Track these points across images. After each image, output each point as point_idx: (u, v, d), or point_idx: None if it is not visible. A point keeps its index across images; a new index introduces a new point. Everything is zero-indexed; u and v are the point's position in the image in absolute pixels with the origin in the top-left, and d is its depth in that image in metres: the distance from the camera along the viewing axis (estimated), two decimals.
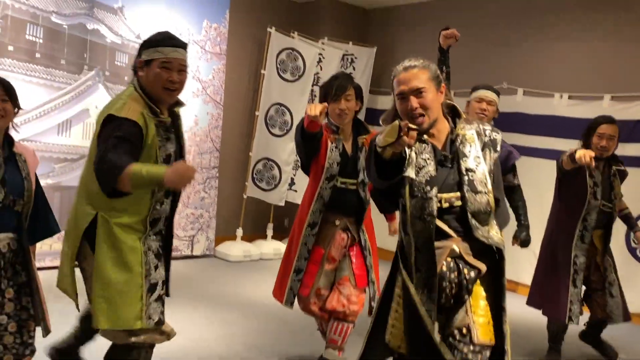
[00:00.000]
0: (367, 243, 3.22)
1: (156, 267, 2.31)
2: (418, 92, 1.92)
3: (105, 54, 4.81)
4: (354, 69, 6.22)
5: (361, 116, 5.99)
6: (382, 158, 1.86)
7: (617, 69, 4.77)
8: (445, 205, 1.97)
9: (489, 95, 3.46)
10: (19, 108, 2.48)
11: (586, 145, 3.44)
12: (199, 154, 5.58)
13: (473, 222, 1.96)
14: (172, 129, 2.36)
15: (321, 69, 6.06)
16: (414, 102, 1.91)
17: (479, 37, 5.44)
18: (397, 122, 1.70)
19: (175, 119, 2.41)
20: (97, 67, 4.75)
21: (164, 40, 2.28)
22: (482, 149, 2.02)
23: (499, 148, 2.06)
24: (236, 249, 5.75)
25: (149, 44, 2.28)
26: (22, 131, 4.31)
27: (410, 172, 1.95)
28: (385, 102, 6.23)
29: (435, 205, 1.94)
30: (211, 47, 5.55)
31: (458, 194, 1.97)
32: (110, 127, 2.16)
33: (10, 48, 4.28)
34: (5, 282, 2.27)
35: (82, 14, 4.64)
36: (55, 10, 4.48)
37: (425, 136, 1.98)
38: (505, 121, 4.59)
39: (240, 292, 4.59)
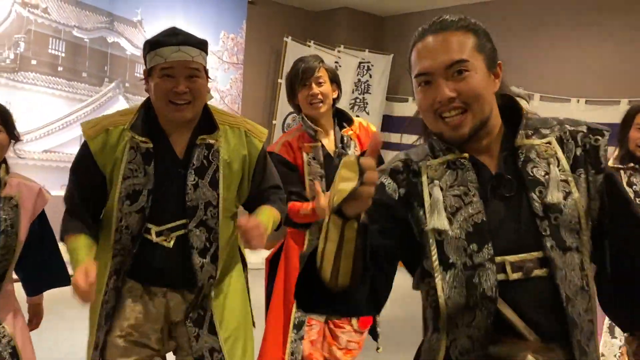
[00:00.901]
0: None
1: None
2: (455, 71, 1.13)
3: (125, 66, 4.88)
4: (370, 76, 6.24)
5: (373, 123, 6.06)
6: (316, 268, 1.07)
7: (634, 73, 4.73)
8: (515, 275, 1.13)
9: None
10: (16, 139, 2.01)
11: (622, 145, 2.66)
12: None
13: (569, 310, 1.11)
14: (172, 162, 1.75)
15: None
16: (444, 88, 1.12)
17: (494, 41, 5.43)
18: (352, 156, 0.97)
19: (194, 153, 1.75)
20: (118, 79, 4.83)
21: (163, 39, 1.72)
22: (574, 168, 1.18)
23: (603, 162, 1.20)
24: (255, 256, 5.78)
25: (148, 47, 1.73)
26: (46, 143, 4.40)
27: (439, 221, 1.16)
28: (403, 109, 6.24)
29: (493, 278, 1.11)
30: (228, 57, 5.61)
31: (537, 253, 1.13)
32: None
33: (34, 62, 4.36)
34: None
35: (102, 28, 4.72)
36: (77, 25, 4.56)
37: (456, 152, 1.19)
38: None
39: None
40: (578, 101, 5.01)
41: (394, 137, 5.74)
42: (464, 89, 1.14)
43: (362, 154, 1.12)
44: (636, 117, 2.62)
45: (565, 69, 5.13)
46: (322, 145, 2.48)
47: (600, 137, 1.21)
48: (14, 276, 2.01)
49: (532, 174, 1.18)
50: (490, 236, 1.15)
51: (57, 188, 3.93)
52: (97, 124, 1.75)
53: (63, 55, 4.52)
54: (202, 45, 1.78)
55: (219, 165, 1.79)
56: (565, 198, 1.16)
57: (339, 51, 6.08)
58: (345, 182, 0.97)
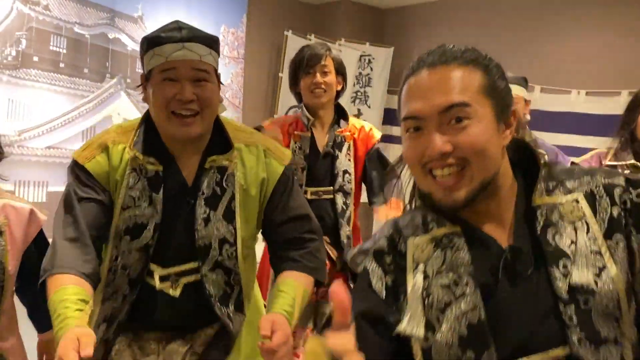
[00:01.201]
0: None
1: None
2: (453, 118, 0.90)
3: (126, 62, 4.88)
4: (371, 69, 6.23)
5: (374, 116, 6.08)
6: None
7: (635, 64, 4.72)
8: None
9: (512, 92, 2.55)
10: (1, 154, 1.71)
11: (624, 133, 2.26)
12: None
13: None
14: (180, 191, 1.41)
15: None
16: (436, 140, 0.89)
17: (494, 34, 5.42)
18: (317, 341, 0.68)
19: (204, 179, 1.41)
20: (119, 75, 4.83)
21: (164, 34, 1.39)
22: (610, 233, 0.90)
23: None
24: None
25: (146, 44, 1.41)
26: (49, 139, 4.41)
27: (410, 325, 0.91)
28: None
29: None
30: (229, 52, 5.61)
31: (561, 350, 0.87)
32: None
33: (35, 59, 4.37)
34: None
35: (103, 24, 4.72)
36: (78, 21, 4.56)
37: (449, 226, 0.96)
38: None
39: None
40: (578, 93, 5.00)
41: (396, 130, 5.74)
42: (463, 141, 0.88)
43: (330, 317, 0.73)
44: None
45: (566, 60, 5.12)
46: (313, 138, 2.34)
47: None
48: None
49: (553, 243, 0.90)
50: (494, 337, 0.87)
51: (60, 184, 3.94)
52: (89, 145, 1.42)
53: (64, 51, 4.52)
54: (212, 42, 1.43)
55: (235, 192, 1.42)
56: (598, 275, 0.86)
57: (339, 44, 6.07)
58: None
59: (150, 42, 1.40)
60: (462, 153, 0.90)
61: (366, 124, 2.51)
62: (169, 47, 1.37)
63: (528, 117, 2.46)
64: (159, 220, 1.39)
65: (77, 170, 1.40)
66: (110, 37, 4.77)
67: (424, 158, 0.92)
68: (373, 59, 6.24)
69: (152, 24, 5.01)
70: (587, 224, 0.91)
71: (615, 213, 0.91)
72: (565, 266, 0.88)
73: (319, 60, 2.32)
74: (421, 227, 0.98)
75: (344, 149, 2.35)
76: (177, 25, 1.43)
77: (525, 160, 1.01)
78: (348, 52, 6.10)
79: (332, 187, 2.36)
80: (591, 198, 0.93)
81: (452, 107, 0.90)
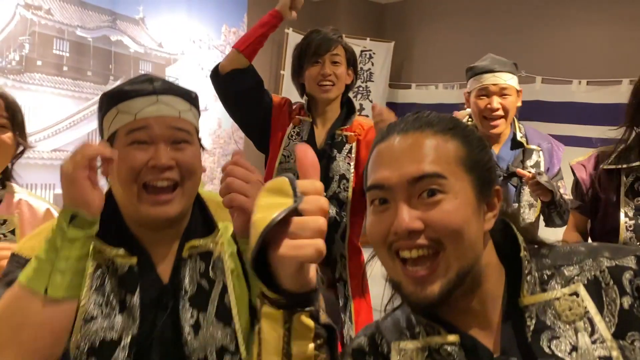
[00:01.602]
0: (348, 285, 1.96)
1: None
2: (424, 191, 0.77)
3: (129, 64, 4.90)
4: (372, 64, 6.23)
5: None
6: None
7: (635, 53, 4.71)
8: None
9: (500, 79, 2.07)
10: (26, 144, 1.56)
11: (632, 125, 1.73)
12: (223, 156, 5.67)
13: None
14: (157, 291, 1.06)
15: None
16: (404, 215, 0.75)
17: (494, 25, 5.42)
18: (283, 177, 0.63)
19: (184, 272, 1.07)
20: (122, 76, 4.85)
21: (131, 87, 1.06)
22: (621, 332, 0.74)
23: None
24: None
25: (106, 102, 1.08)
26: (54, 142, 4.43)
27: None
28: (406, 96, 6.25)
29: None
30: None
31: None
32: None
33: (39, 63, 4.39)
34: None
35: (105, 27, 4.74)
36: (80, 25, 4.59)
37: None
38: (525, 110, 4.56)
39: None
40: (580, 82, 5.00)
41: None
42: (435, 219, 0.75)
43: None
44: None
45: (566, 50, 5.12)
46: (313, 131, 2.00)
47: None
48: None
49: (549, 352, 0.74)
50: None
51: None
52: (39, 233, 1.07)
53: (67, 55, 4.54)
54: (191, 97, 1.12)
55: (226, 282, 1.07)
56: None
57: None
58: (267, 210, 0.59)
59: (113, 98, 1.06)
60: (435, 233, 0.75)
61: (364, 122, 2.11)
62: (138, 102, 1.03)
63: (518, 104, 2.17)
64: (135, 333, 1.01)
65: (19, 265, 1.01)
66: (113, 39, 4.79)
67: (390, 236, 0.77)
68: (374, 54, 6.24)
69: (154, 25, 5.04)
70: (592, 323, 0.75)
71: (626, 304, 0.75)
72: None
73: (329, 47, 1.97)
74: (406, 330, 0.83)
75: (344, 150, 1.94)
76: (148, 77, 1.09)
77: (511, 245, 0.84)
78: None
79: (324, 194, 1.80)
80: (595, 287, 0.77)
81: (424, 178, 0.76)
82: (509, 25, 5.44)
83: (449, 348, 0.77)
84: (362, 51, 6.17)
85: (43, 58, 4.41)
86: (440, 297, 0.75)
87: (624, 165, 1.69)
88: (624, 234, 1.64)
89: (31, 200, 1.56)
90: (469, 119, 2.23)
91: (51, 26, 4.44)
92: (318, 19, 6.42)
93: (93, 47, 4.68)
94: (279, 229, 0.59)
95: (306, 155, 0.65)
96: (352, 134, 2.00)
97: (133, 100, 1.04)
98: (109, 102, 1.07)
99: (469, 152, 0.80)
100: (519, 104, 2.16)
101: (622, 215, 1.66)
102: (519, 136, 2.19)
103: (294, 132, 2.01)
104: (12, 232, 1.49)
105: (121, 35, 4.84)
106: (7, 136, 1.48)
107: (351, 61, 2.06)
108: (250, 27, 2.21)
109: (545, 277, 0.79)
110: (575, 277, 0.78)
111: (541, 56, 5.23)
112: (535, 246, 0.84)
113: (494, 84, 2.09)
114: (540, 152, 2.17)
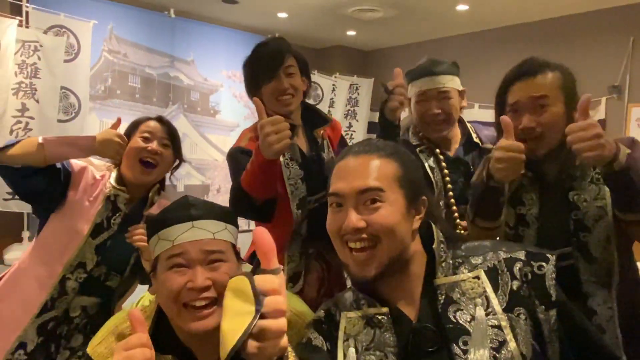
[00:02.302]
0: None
1: None
2: (368, 200, 0.79)
3: (183, 93, 4.91)
4: (358, 94, 6.23)
5: (361, 127, 6.11)
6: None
7: None
8: None
9: (438, 83, 1.54)
10: (181, 159, 1.47)
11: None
12: None
13: None
14: None
15: (335, 95, 6.09)
16: (352, 217, 0.78)
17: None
18: (242, 275, 0.55)
19: None
20: (178, 102, 4.86)
21: (169, 215, 0.92)
22: (511, 307, 0.75)
23: (553, 293, 0.75)
24: None
25: (150, 228, 0.95)
26: None
27: None
28: None
29: None
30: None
31: None
32: None
33: (118, 92, 4.41)
34: (61, 349, 1.33)
35: (166, 66, 4.76)
36: (148, 64, 4.61)
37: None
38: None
39: None
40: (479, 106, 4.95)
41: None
42: (375, 220, 0.76)
43: (257, 265, 0.56)
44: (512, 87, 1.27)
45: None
46: (299, 149, 1.50)
47: (544, 264, 0.76)
48: None
49: (454, 320, 0.73)
50: None
51: None
52: (105, 337, 0.92)
53: (139, 86, 4.55)
54: (227, 215, 0.94)
55: None
56: (497, 350, 0.69)
57: (335, 77, 6.09)
58: (234, 319, 0.52)
59: (155, 225, 0.92)
60: (374, 230, 0.76)
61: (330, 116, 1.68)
62: (176, 229, 0.89)
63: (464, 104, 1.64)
64: None
65: None
66: (171, 75, 4.80)
67: (342, 231, 0.78)
68: (359, 87, 6.24)
69: (201, 65, 5.05)
70: (488, 300, 0.74)
71: (515, 287, 0.75)
72: (465, 343, 0.71)
73: (281, 61, 1.45)
74: (354, 303, 0.82)
75: (326, 148, 1.56)
76: (186, 201, 0.93)
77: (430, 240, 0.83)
78: (341, 83, 6.12)
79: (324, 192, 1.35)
80: (493, 273, 0.77)
81: (368, 190, 0.77)
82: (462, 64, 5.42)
83: (380, 317, 0.78)
84: (350, 84, 6.17)
85: (121, 88, 4.43)
86: (376, 276, 0.77)
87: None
88: None
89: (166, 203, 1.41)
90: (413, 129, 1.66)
91: (127, 65, 4.47)
92: (319, 62, 6.43)
93: (157, 81, 4.69)
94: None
95: (263, 239, 0.56)
96: (323, 131, 1.58)
97: (171, 228, 0.89)
98: (152, 228, 0.92)
99: (404, 172, 0.81)
100: (464, 104, 1.62)
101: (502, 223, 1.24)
102: (474, 137, 1.64)
103: (286, 159, 1.44)
104: None
105: (178, 72, 4.86)
106: (169, 154, 1.45)
107: (304, 69, 1.54)
108: None
109: (457, 263, 0.80)
110: (479, 265, 0.79)
111: (478, 83, 5.21)
112: (452, 240, 0.85)
113: (432, 88, 1.54)
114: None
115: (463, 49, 5.24)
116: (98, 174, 1.40)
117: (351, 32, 5.87)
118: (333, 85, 6.05)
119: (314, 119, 1.58)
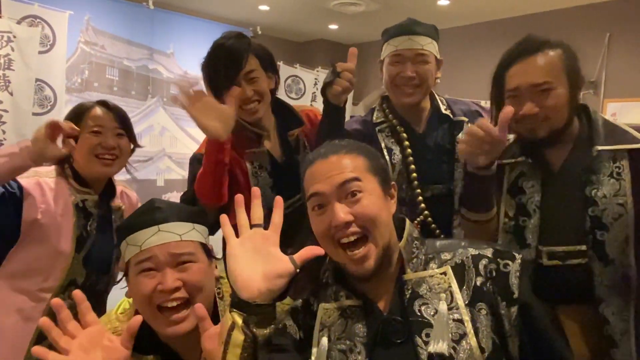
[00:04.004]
0: None
1: None
2: (349, 192, 0.81)
3: (162, 86, 4.84)
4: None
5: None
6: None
7: None
8: None
9: (416, 43, 1.39)
10: (137, 145, 1.38)
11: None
12: None
13: None
14: None
15: (317, 89, 6.08)
16: (339, 212, 0.79)
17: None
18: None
19: None
20: (158, 95, 4.79)
21: (136, 220, 0.94)
22: (473, 302, 0.77)
23: (516, 290, 0.78)
24: None
25: (119, 234, 0.96)
26: None
27: None
28: (359, 110, 6.26)
29: None
30: None
31: None
32: None
33: (95, 84, 4.33)
34: None
35: (145, 58, 4.67)
36: (126, 57, 4.52)
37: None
38: None
39: None
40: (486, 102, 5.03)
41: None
42: (360, 211, 0.78)
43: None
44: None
45: (481, 74, 5.15)
46: (269, 155, 1.40)
47: (510, 262, 0.78)
48: None
49: (419, 314, 0.75)
50: None
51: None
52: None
53: (117, 79, 4.47)
54: (195, 215, 0.94)
55: None
56: (457, 342, 0.71)
57: (317, 70, 6.07)
58: None
59: (123, 231, 0.92)
60: (362, 222, 0.78)
61: (312, 109, 1.57)
62: (142, 234, 0.88)
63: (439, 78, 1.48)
64: None
65: None
66: (150, 67, 4.72)
67: (331, 229, 0.78)
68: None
69: (181, 58, 4.98)
70: (452, 294, 0.76)
71: (479, 283, 0.77)
72: (427, 335, 0.73)
73: (240, 66, 1.28)
74: (332, 295, 0.83)
75: (301, 149, 1.44)
76: (152, 205, 0.92)
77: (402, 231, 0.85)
78: (323, 76, 6.08)
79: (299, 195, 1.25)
80: (460, 269, 0.79)
81: (347, 182, 0.79)
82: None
83: (354, 309, 0.80)
84: None
85: (98, 81, 4.34)
86: (375, 268, 0.79)
87: (511, 160, 1.20)
88: (501, 236, 1.16)
89: (128, 192, 1.46)
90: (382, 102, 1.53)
91: (105, 57, 4.37)
92: (301, 55, 6.41)
93: (136, 73, 4.60)
94: None
95: None
96: (296, 132, 1.46)
97: (138, 233, 0.88)
98: (120, 235, 0.92)
99: (372, 162, 0.84)
100: (439, 75, 1.46)
101: (502, 215, 1.17)
102: (442, 109, 1.47)
103: (254, 168, 1.36)
104: (122, 216, 1.37)
105: (157, 65, 4.77)
106: (124, 142, 1.33)
107: (268, 66, 1.37)
108: None
109: (428, 259, 0.82)
110: (448, 261, 0.81)
111: (449, 84, 5.27)
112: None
113: (409, 49, 1.38)
114: (469, 123, 1.45)
115: (444, 43, 5.25)
116: (52, 182, 1.24)
117: (333, 26, 5.86)
118: (315, 79, 6.02)
119: (287, 118, 1.46)
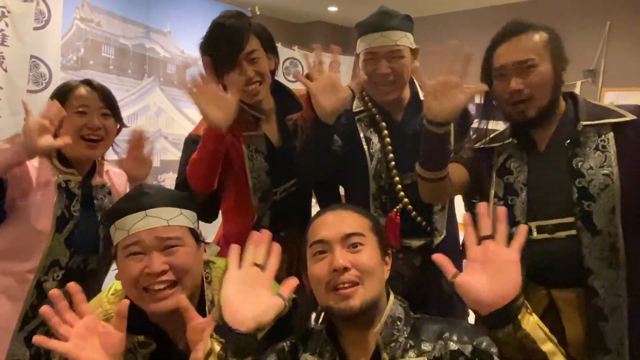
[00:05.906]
0: None
1: None
2: (351, 244, 0.90)
3: (159, 65, 4.79)
4: (339, 71, 6.18)
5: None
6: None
7: None
8: None
9: (389, 40, 1.38)
10: (123, 125, 1.39)
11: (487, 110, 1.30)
12: None
13: None
14: None
15: None
16: (339, 259, 0.86)
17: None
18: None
19: None
20: (154, 75, 4.75)
21: (125, 204, 0.98)
22: None
23: None
24: None
25: (108, 218, 1.01)
26: None
27: None
28: None
29: None
30: None
31: None
32: None
33: (91, 62, 4.27)
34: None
35: (141, 37, 4.61)
36: (122, 35, 4.46)
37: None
38: None
39: None
40: None
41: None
42: (359, 261, 0.85)
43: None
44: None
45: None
46: (266, 137, 1.39)
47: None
48: None
49: None
50: None
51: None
52: None
53: (113, 57, 4.42)
54: (182, 200, 0.96)
55: None
56: None
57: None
58: None
59: (111, 216, 0.94)
60: (359, 270, 0.85)
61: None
62: (129, 219, 0.90)
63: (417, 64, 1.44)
64: None
65: None
66: (147, 46, 4.66)
67: (330, 274, 0.85)
68: (339, 64, 6.19)
69: (178, 37, 4.92)
70: None
71: None
72: None
73: (241, 46, 1.26)
74: (317, 348, 0.87)
75: (299, 133, 1.42)
76: (140, 190, 0.95)
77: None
78: (323, 59, 6.04)
79: (295, 180, 1.40)
80: None
81: (352, 235, 0.88)
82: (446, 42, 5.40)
83: None
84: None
85: (94, 59, 4.28)
86: (360, 309, 0.83)
87: (499, 143, 1.25)
88: (492, 216, 1.05)
89: (115, 170, 1.49)
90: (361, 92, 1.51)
91: (100, 35, 4.32)
92: (299, 37, 6.34)
93: (132, 52, 4.55)
94: None
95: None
96: (297, 116, 1.44)
97: (126, 218, 0.91)
98: (108, 219, 0.95)
99: (375, 225, 0.94)
100: (416, 63, 1.43)
101: (491, 195, 1.20)
102: (422, 95, 1.46)
103: (250, 151, 1.34)
104: (109, 192, 1.40)
105: (153, 43, 4.72)
106: (110, 122, 1.34)
107: (268, 46, 1.36)
108: None
109: (409, 345, 0.83)
110: (426, 353, 0.82)
111: None
112: (417, 315, 0.90)
113: (382, 45, 1.38)
114: None
115: (446, 27, 5.23)
116: (35, 161, 1.23)
117: (333, 8, 5.79)
118: (313, 61, 5.94)
119: (287, 102, 1.46)
